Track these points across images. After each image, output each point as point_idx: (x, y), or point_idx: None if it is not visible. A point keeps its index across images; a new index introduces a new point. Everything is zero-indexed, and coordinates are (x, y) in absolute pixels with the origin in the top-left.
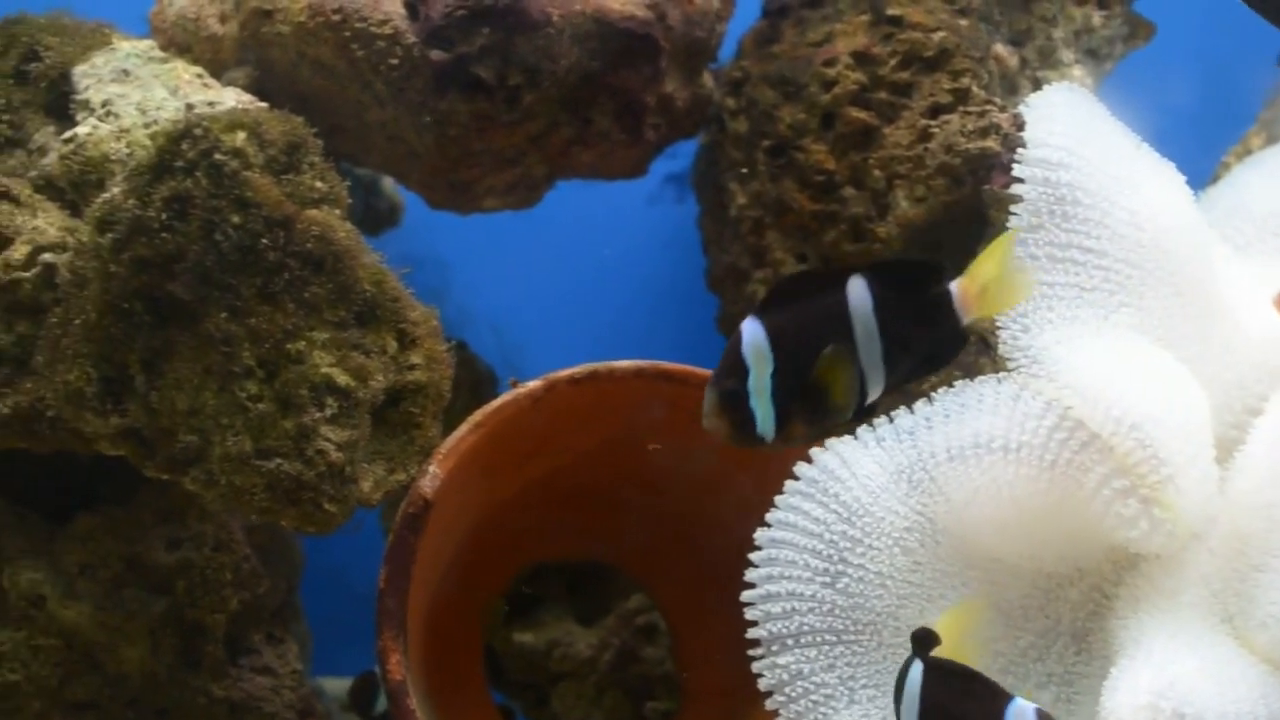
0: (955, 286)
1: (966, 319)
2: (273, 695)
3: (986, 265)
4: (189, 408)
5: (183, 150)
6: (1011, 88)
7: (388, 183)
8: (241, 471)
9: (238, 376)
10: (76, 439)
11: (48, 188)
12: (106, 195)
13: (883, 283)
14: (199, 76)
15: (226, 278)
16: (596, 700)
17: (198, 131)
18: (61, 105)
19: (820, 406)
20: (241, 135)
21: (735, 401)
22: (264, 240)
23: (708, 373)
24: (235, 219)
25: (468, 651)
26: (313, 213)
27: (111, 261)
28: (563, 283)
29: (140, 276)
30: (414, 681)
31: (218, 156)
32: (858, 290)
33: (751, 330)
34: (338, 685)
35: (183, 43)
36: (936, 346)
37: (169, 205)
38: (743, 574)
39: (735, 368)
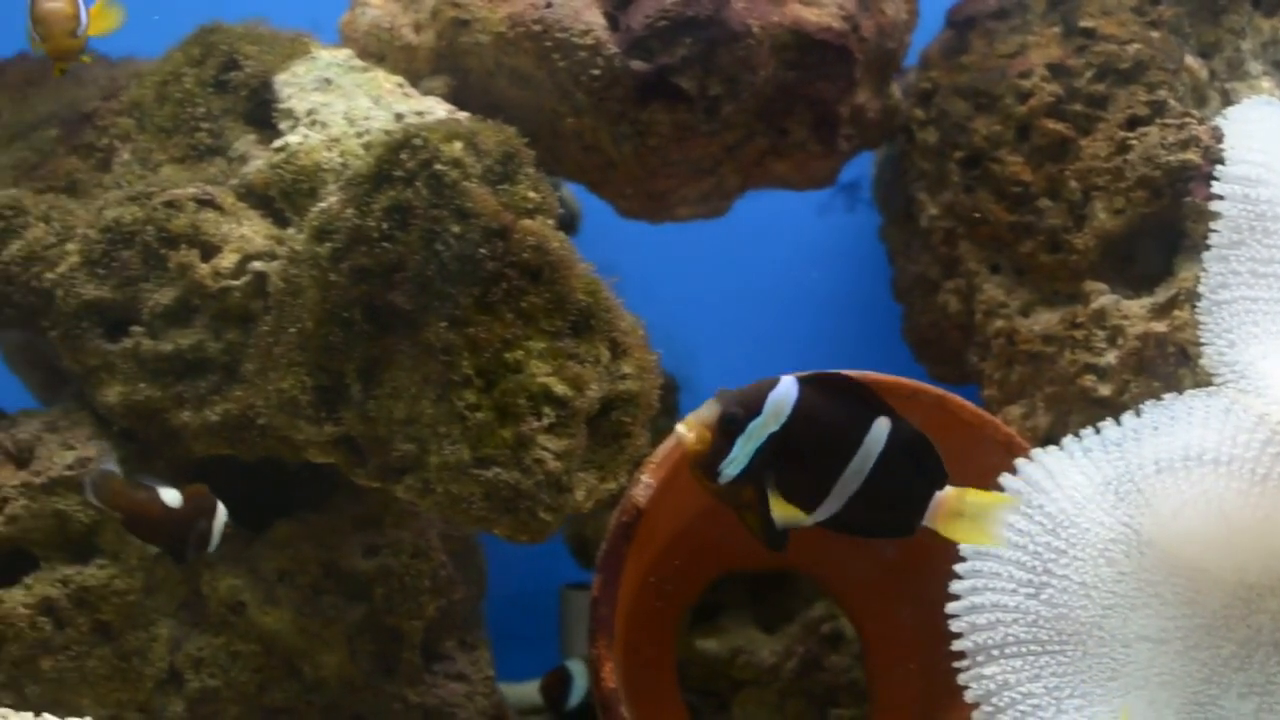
0: (940, 494)
1: (924, 522)
2: (466, 701)
3: (979, 502)
4: (406, 416)
5: (402, 160)
6: (1200, 99)
7: (567, 191)
8: (459, 480)
9: (456, 385)
10: (285, 446)
11: (249, 195)
12: (323, 205)
13: (899, 442)
14: (400, 86)
15: (446, 287)
16: (779, 707)
17: (417, 141)
18: (261, 114)
19: (772, 498)
20: (459, 145)
21: (729, 429)
22: (483, 250)
23: (913, 383)
24: (455, 229)
25: (662, 658)
26: (528, 222)
27: (331, 270)
28: (733, 291)
29: (360, 286)
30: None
31: (438, 167)
32: (879, 430)
33: (788, 388)
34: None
35: (376, 52)
36: (885, 523)
37: (389, 215)
38: (936, 583)
39: (753, 404)
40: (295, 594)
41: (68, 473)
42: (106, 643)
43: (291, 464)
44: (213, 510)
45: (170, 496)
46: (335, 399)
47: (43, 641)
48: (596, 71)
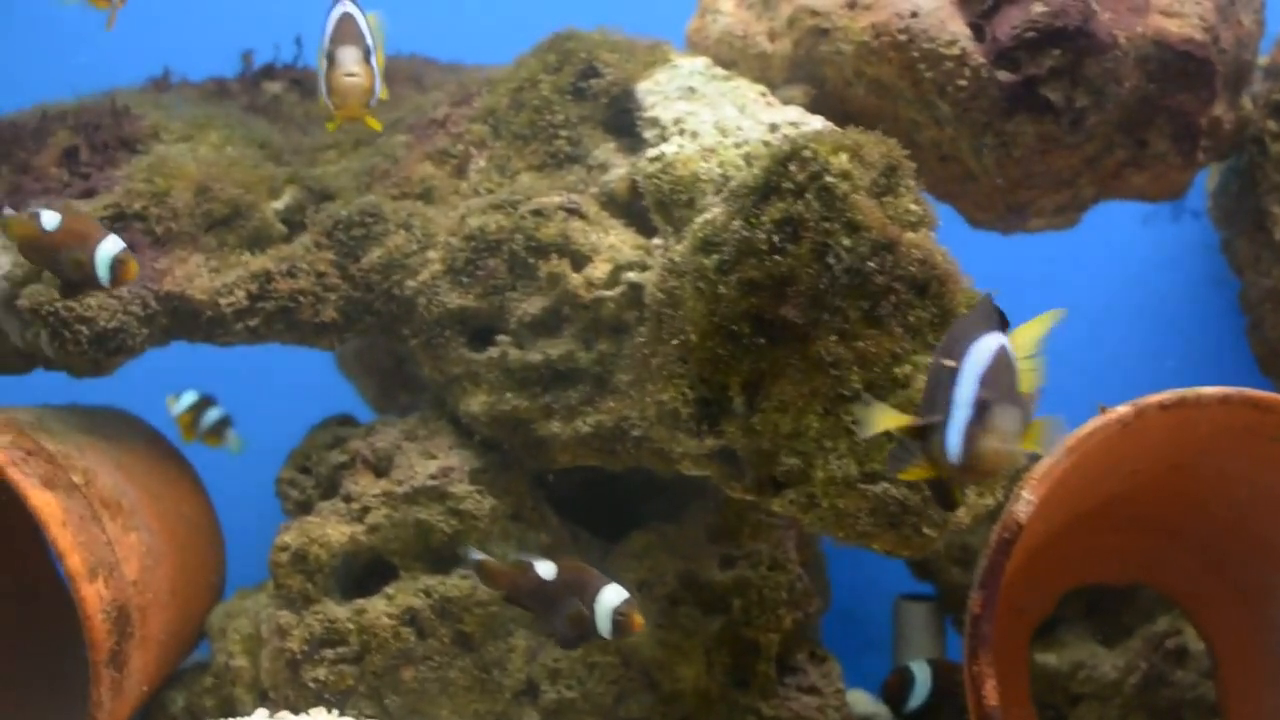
0: None
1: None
2: (818, 715)
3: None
4: (792, 430)
5: (790, 172)
6: None
7: None
8: (846, 495)
9: (845, 400)
10: (658, 458)
11: (610, 204)
12: (707, 216)
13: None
14: (763, 95)
15: (836, 301)
16: None
17: (806, 154)
18: (620, 121)
19: None
20: (845, 157)
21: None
22: (871, 264)
23: None
24: (846, 242)
25: (1016, 672)
26: (913, 235)
27: (719, 283)
28: (1052, 302)
29: (749, 298)
30: None
31: (828, 179)
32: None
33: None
34: None
35: (728, 59)
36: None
37: (779, 227)
38: None
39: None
40: (653, 605)
41: (430, 482)
42: (467, 653)
43: (650, 475)
44: (592, 589)
45: (545, 569)
46: (717, 412)
47: (405, 652)
48: (963, 82)
